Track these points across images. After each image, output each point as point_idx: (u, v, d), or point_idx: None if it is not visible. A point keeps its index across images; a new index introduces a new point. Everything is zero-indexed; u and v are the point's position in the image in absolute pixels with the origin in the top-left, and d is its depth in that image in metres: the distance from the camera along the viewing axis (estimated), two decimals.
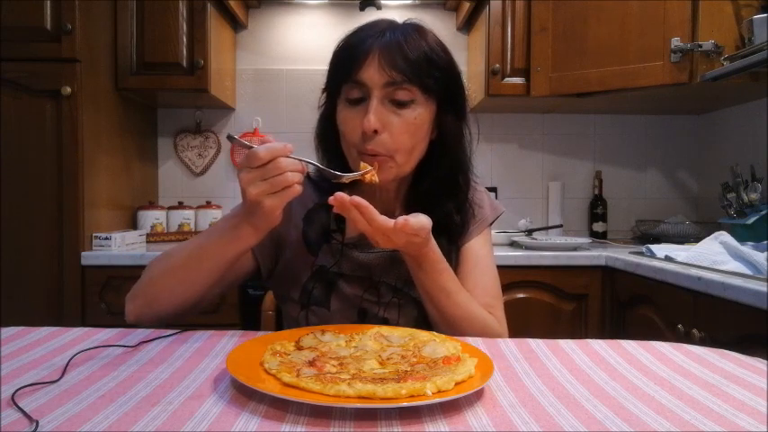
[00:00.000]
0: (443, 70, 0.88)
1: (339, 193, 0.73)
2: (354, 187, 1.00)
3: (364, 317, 0.93)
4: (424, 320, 0.93)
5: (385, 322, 0.92)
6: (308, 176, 1.00)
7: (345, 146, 0.90)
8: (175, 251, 0.86)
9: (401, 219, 0.75)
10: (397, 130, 0.84)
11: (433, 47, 0.88)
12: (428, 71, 0.85)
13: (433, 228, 0.95)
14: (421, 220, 0.77)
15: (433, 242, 0.84)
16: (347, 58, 0.86)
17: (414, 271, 0.87)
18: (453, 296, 0.87)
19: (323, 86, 0.94)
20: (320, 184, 0.98)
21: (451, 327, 0.87)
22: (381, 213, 0.98)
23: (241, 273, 0.94)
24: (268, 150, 0.71)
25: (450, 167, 0.93)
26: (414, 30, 0.88)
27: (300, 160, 0.74)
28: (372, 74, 0.83)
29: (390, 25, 0.88)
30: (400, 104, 0.85)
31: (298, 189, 0.73)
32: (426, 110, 0.87)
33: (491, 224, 1.04)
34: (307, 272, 0.94)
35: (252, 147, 0.72)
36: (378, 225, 0.75)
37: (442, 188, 0.94)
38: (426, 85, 0.85)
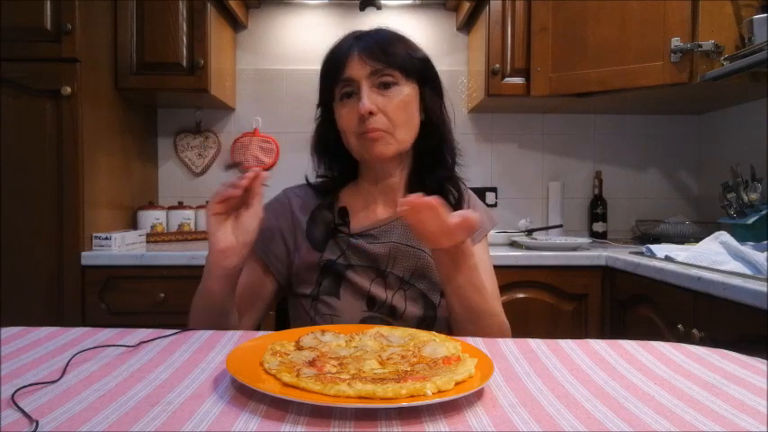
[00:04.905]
0: (419, 58, 0.98)
1: (412, 196, 0.77)
2: (347, 185, 1.05)
3: (373, 305, 0.96)
4: (430, 310, 0.96)
5: (393, 310, 0.95)
6: (307, 183, 1.08)
7: (345, 138, 0.97)
8: (194, 298, 0.92)
9: (456, 215, 0.78)
10: (390, 108, 0.94)
11: (403, 38, 1.00)
12: (404, 57, 0.96)
13: None
14: (468, 212, 0.80)
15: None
16: (333, 65, 0.97)
17: (447, 270, 0.88)
18: (483, 291, 0.90)
19: (317, 102, 1.03)
20: (320, 188, 1.05)
21: (476, 322, 0.90)
22: (385, 199, 1.03)
23: (268, 296, 1.03)
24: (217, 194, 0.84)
25: (439, 142, 1.01)
26: (383, 30, 1.00)
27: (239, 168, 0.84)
28: (357, 69, 0.94)
29: (362, 32, 1.00)
30: (387, 86, 0.94)
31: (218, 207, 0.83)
32: (411, 89, 0.97)
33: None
34: (316, 269, 0.98)
35: (241, 162, 0.81)
36: (447, 225, 0.78)
37: (433, 163, 1.01)
38: (405, 68, 0.95)
